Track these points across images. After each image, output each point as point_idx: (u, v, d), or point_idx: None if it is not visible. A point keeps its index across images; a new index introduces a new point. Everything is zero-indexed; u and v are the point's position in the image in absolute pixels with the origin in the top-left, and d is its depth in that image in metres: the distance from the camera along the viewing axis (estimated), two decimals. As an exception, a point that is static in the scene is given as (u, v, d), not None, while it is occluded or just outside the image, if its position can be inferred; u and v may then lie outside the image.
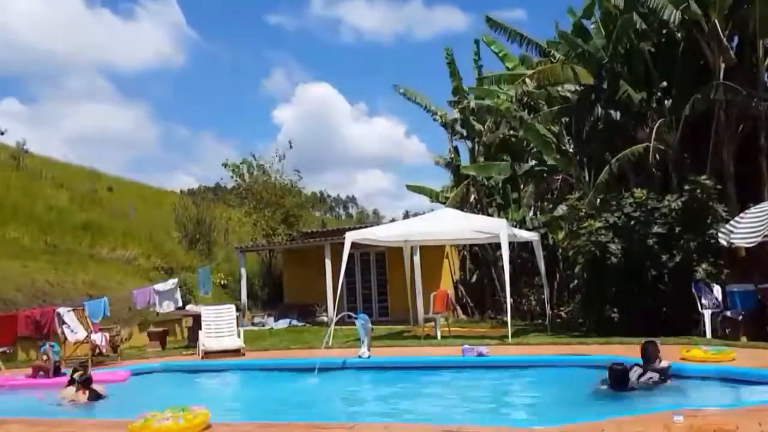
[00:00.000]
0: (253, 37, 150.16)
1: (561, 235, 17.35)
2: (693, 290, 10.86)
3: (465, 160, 20.50)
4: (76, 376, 7.69)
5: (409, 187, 21.83)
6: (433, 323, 13.24)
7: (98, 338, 11.18)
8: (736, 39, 13.99)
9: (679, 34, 13.94)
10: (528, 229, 16.19)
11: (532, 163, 17.69)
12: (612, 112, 14.80)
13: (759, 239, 9.83)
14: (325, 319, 17.58)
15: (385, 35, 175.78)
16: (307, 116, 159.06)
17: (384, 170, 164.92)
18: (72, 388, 7.62)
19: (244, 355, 11.16)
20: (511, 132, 18.02)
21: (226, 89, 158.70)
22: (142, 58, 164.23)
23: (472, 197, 19.53)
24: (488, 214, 18.47)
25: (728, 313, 10.64)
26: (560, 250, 17.37)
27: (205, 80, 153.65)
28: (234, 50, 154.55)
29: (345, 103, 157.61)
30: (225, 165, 25.16)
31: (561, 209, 16.67)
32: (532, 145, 16.92)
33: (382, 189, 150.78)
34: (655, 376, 6.66)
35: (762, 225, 9.73)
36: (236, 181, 25.34)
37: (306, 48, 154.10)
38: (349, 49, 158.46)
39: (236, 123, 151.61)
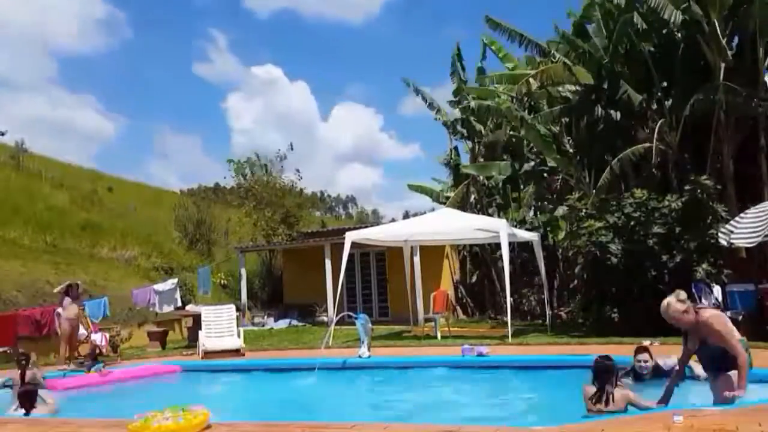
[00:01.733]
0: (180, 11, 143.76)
1: (561, 235, 17.38)
2: (693, 290, 10.84)
3: (465, 160, 20.54)
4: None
5: (411, 187, 21.84)
6: (433, 323, 13.24)
7: (98, 338, 11.19)
8: (736, 39, 14.00)
9: (679, 35, 13.95)
10: (528, 229, 16.18)
11: (533, 163, 17.72)
12: (612, 112, 14.82)
13: (759, 239, 9.83)
14: (325, 319, 17.57)
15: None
16: (265, 106, 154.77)
17: (363, 165, 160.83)
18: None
19: (244, 355, 11.16)
20: (512, 132, 18.03)
21: (167, 72, 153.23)
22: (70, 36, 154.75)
23: (473, 197, 19.53)
24: (488, 214, 18.48)
25: (728, 313, 10.61)
26: (560, 250, 17.39)
27: (142, 63, 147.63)
28: (164, 30, 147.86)
29: (306, 90, 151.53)
30: (230, 161, 25.24)
31: (561, 209, 16.69)
32: (532, 145, 16.93)
33: (367, 186, 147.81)
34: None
35: (762, 225, 9.73)
36: (237, 180, 25.39)
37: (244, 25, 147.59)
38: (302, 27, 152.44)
39: (188, 113, 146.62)
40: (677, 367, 5.01)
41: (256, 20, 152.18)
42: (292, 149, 26.29)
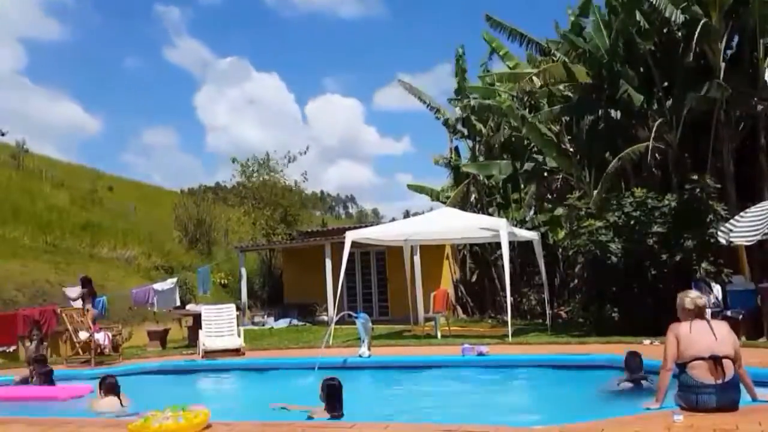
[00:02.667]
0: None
1: (561, 234, 17.37)
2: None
3: (465, 159, 20.52)
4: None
5: (410, 187, 21.83)
6: (433, 323, 13.24)
7: (101, 337, 11.18)
8: (736, 38, 14.00)
9: (679, 34, 13.95)
10: (528, 229, 16.19)
11: (533, 162, 17.72)
12: (612, 111, 14.82)
13: (758, 238, 9.83)
14: (325, 318, 17.58)
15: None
16: (238, 100, 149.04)
17: (352, 162, 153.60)
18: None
19: (244, 354, 11.16)
20: (513, 131, 18.01)
21: (132, 62, 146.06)
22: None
23: (473, 197, 19.53)
24: (489, 214, 18.48)
25: (728, 313, 10.63)
26: (560, 250, 17.38)
27: (101, 52, 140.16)
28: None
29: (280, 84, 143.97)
30: (234, 160, 25.19)
31: (561, 209, 16.69)
32: (532, 144, 16.93)
33: (356, 184, 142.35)
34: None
35: (762, 224, 9.74)
36: (240, 178, 25.35)
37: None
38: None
39: (161, 105, 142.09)
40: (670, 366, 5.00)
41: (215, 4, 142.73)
42: (305, 152, 26.10)
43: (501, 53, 18.74)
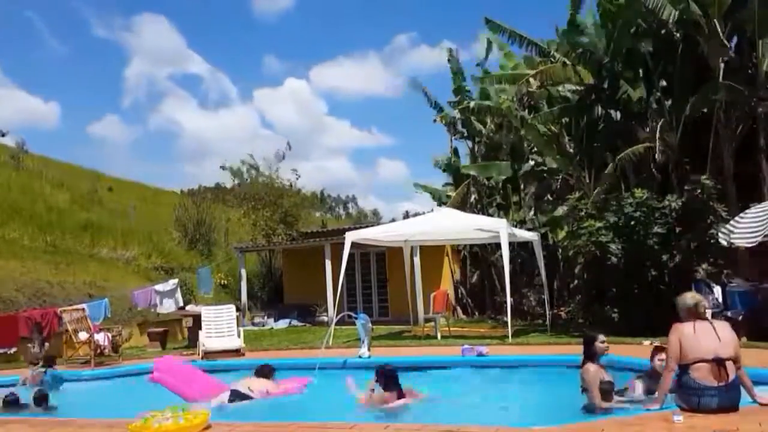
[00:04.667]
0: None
1: (561, 235, 17.37)
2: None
3: (465, 160, 20.53)
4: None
5: (416, 186, 21.95)
6: (433, 323, 13.24)
7: (101, 338, 11.19)
8: (735, 39, 14.01)
9: (678, 34, 13.96)
10: (528, 229, 16.18)
11: (533, 163, 17.71)
12: (612, 112, 14.83)
13: (759, 239, 9.83)
14: (325, 319, 17.58)
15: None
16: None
17: (326, 158, 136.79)
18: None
19: (244, 355, 11.16)
20: (512, 132, 18.02)
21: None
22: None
23: (473, 197, 19.53)
24: (489, 214, 18.48)
25: (728, 313, 10.63)
26: (560, 250, 17.37)
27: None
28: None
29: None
30: (223, 167, 25.20)
31: (561, 209, 16.69)
32: (532, 145, 16.95)
33: (340, 180, 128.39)
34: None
35: (762, 225, 9.73)
36: (236, 182, 25.35)
37: None
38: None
39: (84, 89, 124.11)
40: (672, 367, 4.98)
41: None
42: (290, 149, 26.06)
43: (505, 52, 18.73)
